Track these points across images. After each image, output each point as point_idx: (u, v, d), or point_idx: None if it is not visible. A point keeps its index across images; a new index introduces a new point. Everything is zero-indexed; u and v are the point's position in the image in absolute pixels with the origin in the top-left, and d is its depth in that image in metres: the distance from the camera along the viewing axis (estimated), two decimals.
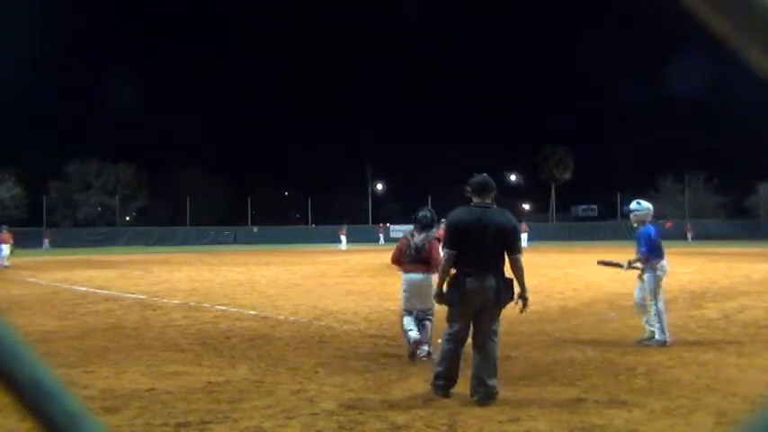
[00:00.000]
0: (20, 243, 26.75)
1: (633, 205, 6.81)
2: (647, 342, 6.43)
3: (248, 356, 6.12)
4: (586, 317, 6.85)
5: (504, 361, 5.24)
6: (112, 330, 7.83)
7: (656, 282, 6.53)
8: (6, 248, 22.64)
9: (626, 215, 6.96)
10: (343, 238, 35.40)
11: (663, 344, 6.36)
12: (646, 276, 6.59)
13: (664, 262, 6.64)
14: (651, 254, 6.54)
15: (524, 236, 37.12)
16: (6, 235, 23.04)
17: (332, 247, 36.83)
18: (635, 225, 6.82)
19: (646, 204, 6.77)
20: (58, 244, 41.34)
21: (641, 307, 6.64)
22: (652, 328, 6.51)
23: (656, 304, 6.49)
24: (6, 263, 22.36)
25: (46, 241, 39.69)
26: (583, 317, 7.71)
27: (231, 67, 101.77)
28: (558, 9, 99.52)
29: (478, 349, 4.57)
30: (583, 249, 24.57)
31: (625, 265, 6.73)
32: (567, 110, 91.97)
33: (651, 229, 6.65)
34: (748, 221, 50.64)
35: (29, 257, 27.45)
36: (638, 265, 6.62)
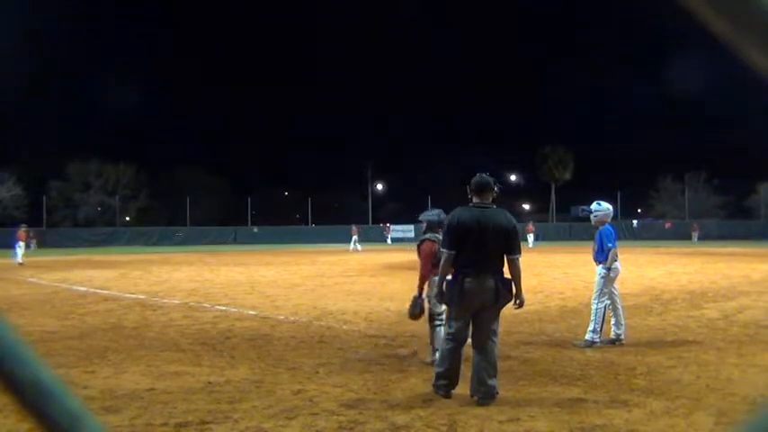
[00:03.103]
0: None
1: (594, 206, 6.84)
2: (580, 343, 6.45)
3: (248, 356, 6.12)
4: (586, 317, 6.85)
5: (504, 361, 5.24)
6: (112, 330, 7.83)
7: (604, 282, 6.55)
8: (22, 246, 23.57)
9: (585, 215, 6.98)
10: (355, 238, 35.04)
11: (590, 344, 6.37)
12: (597, 274, 6.63)
13: (617, 264, 6.66)
14: (605, 253, 6.57)
15: (531, 236, 37.05)
16: (23, 233, 23.69)
17: (342, 246, 36.52)
18: (596, 225, 6.84)
19: (606, 205, 6.83)
20: (56, 244, 41.32)
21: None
22: (619, 331, 6.54)
23: (596, 303, 6.51)
24: (19, 260, 23.00)
25: (32, 242, 39.72)
26: (583, 317, 7.71)
27: (231, 68, 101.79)
28: (557, 9, 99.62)
29: (478, 349, 4.57)
30: (583, 249, 24.55)
31: (602, 272, 6.69)
32: (567, 110, 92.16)
33: (610, 228, 6.69)
34: (748, 221, 50.64)
35: (27, 258, 27.39)
36: (609, 264, 6.62)
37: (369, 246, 40.60)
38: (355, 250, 32.34)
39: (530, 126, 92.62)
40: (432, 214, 5.98)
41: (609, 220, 6.82)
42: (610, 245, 6.55)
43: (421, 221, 6.06)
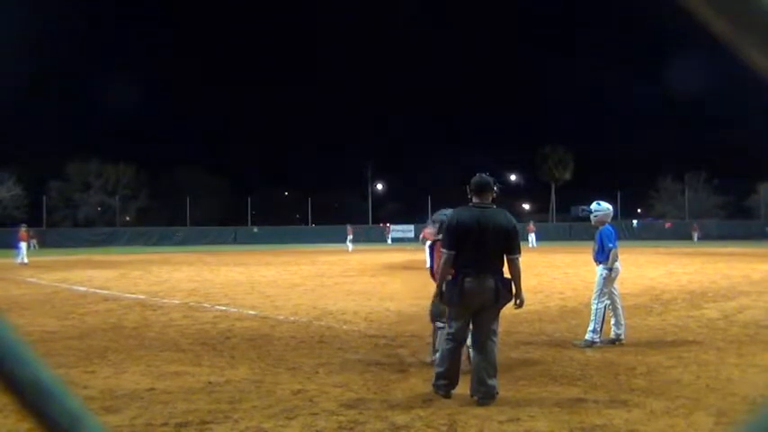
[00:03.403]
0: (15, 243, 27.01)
1: (594, 206, 6.84)
2: (587, 343, 6.43)
3: (248, 356, 6.12)
4: (586, 317, 6.84)
5: (504, 361, 5.24)
6: (112, 330, 7.83)
7: (604, 282, 6.56)
8: (25, 246, 23.62)
9: (585, 215, 6.99)
10: (350, 237, 35.13)
11: (590, 344, 6.37)
12: (597, 274, 6.64)
13: (617, 264, 6.66)
14: (606, 253, 6.57)
15: (532, 236, 37.03)
16: (24, 233, 23.72)
17: (342, 246, 36.50)
18: (596, 225, 6.83)
19: (606, 205, 6.84)
20: (56, 244, 41.30)
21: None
22: (619, 331, 6.54)
23: (596, 303, 6.51)
24: (24, 260, 23.06)
25: (33, 242, 39.70)
26: (583, 317, 7.70)
27: (231, 67, 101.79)
28: (557, 9, 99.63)
29: (478, 349, 4.57)
30: (583, 249, 24.45)
31: (604, 272, 6.68)
32: (567, 110, 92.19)
33: (611, 228, 6.71)
34: (748, 221, 50.64)
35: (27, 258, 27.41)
36: (610, 264, 6.61)
37: (369, 246, 40.61)
38: (351, 250, 32.54)
39: (530, 126, 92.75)
40: (445, 214, 5.93)
41: (609, 219, 6.82)
42: (611, 245, 6.55)
43: (434, 221, 5.99)
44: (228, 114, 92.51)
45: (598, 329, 6.43)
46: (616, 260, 6.59)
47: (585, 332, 6.53)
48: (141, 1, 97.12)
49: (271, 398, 4.59)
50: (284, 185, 72.51)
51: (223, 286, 13.68)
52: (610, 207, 6.87)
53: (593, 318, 6.48)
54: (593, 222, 6.87)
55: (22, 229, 24.47)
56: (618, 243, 6.71)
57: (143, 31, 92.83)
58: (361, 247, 36.81)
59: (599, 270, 6.62)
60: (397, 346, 6.60)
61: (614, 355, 5.99)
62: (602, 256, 6.60)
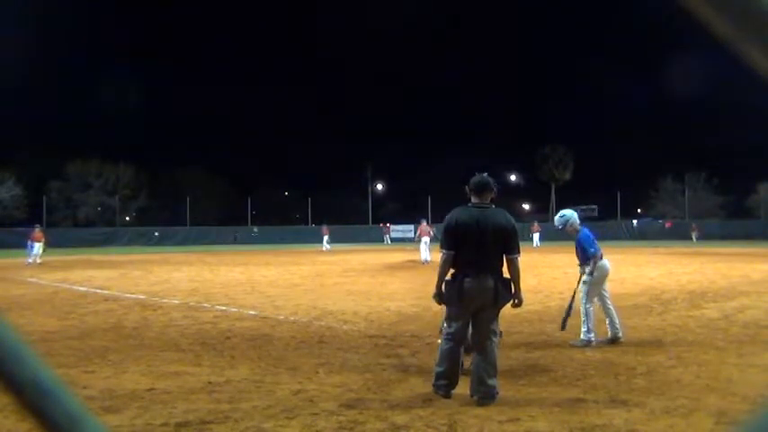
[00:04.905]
0: (18, 243, 27.00)
1: (558, 219, 6.95)
2: (584, 342, 6.44)
3: (248, 356, 6.12)
4: None
5: (504, 361, 5.24)
6: (112, 330, 7.83)
7: (590, 286, 6.58)
8: (39, 247, 23.53)
9: (583, 216, 7.02)
10: (326, 238, 35.16)
11: (587, 343, 6.38)
12: (581, 282, 6.68)
13: (604, 262, 6.68)
14: (589, 258, 6.59)
15: (536, 236, 37.11)
16: (39, 234, 23.72)
17: (342, 246, 36.45)
18: (571, 233, 6.84)
19: (569, 211, 6.97)
20: (56, 244, 41.17)
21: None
22: (615, 330, 6.55)
23: (585, 305, 6.53)
24: (38, 260, 23.10)
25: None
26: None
27: (231, 67, 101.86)
28: (558, 9, 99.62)
29: (478, 349, 4.57)
30: None
31: (586, 278, 6.68)
32: (567, 110, 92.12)
33: (588, 232, 6.76)
34: (748, 221, 50.62)
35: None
36: (591, 268, 6.63)
37: (369, 246, 40.62)
38: (327, 250, 32.73)
39: (530, 126, 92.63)
40: None
41: (579, 224, 6.87)
42: (592, 250, 6.57)
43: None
44: (228, 114, 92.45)
45: (592, 327, 6.46)
46: (597, 263, 6.58)
47: (581, 333, 6.54)
48: (141, 0, 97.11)
49: (271, 398, 4.59)
50: (284, 185, 72.57)
51: (223, 286, 13.68)
52: (574, 212, 6.96)
53: (584, 319, 6.50)
54: (569, 231, 6.86)
55: (37, 230, 24.22)
56: (599, 245, 6.71)
57: (143, 31, 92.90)
58: (362, 247, 36.80)
59: (585, 277, 6.65)
60: (397, 346, 6.60)
61: (614, 355, 6.00)
62: (586, 261, 6.64)
